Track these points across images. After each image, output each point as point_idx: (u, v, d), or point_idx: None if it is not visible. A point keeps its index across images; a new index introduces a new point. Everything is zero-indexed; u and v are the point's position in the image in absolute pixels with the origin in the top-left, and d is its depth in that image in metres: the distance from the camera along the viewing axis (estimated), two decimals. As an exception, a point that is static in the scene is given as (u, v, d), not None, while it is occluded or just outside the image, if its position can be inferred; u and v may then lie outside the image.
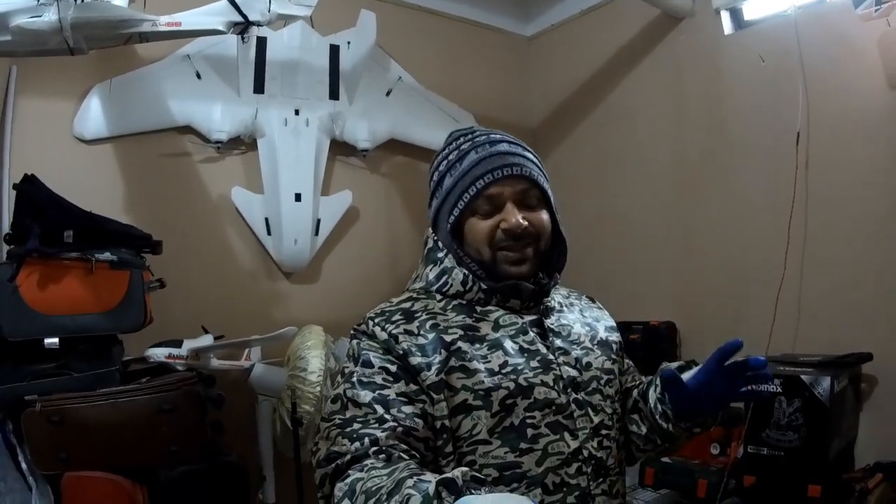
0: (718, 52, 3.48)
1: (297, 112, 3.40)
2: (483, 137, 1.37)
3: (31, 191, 2.52)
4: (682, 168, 3.61)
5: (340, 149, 3.61)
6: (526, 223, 1.32)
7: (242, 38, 2.88)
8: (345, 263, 3.62)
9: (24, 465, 2.33)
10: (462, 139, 1.40)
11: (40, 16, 2.30)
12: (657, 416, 1.39)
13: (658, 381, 1.40)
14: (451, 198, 1.35)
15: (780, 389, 2.57)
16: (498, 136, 1.39)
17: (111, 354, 2.59)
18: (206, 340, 2.84)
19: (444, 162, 1.39)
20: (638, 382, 1.54)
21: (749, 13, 3.47)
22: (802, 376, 2.55)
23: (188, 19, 2.63)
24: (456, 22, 4.20)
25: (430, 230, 1.44)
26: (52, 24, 2.30)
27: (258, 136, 3.37)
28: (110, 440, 2.39)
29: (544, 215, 1.37)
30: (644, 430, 1.45)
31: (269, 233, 3.38)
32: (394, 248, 3.78)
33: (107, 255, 2.54)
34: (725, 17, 3.48)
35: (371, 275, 3.63)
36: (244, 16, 2.70)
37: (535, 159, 1.38)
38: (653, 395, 1.41)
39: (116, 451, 2.41)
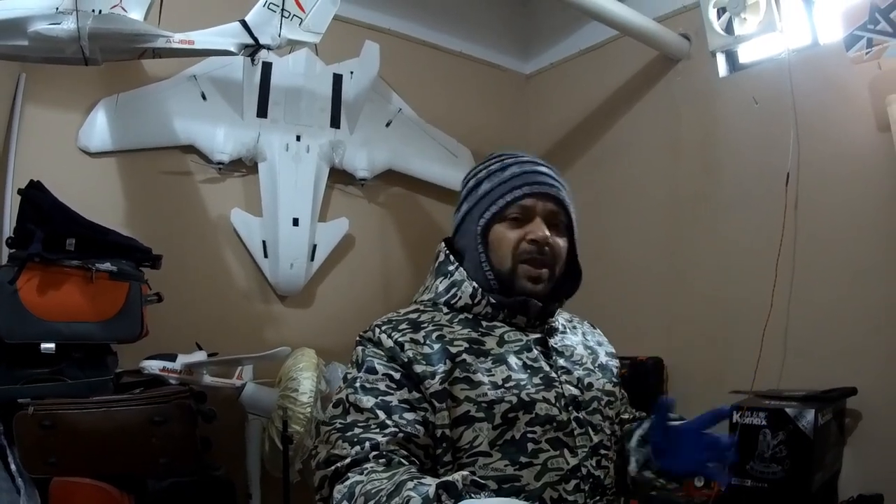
0: (713, 94, 3.54)
1: (298, 138, 3.44)
2: (527, 159, 1.43)
3: (37, 196, 2.55)
4: (676, 207, 3.64)
5: (339, 177, 3.65)
6: (550, 239, 1.36)
7: (252, 61, 2.93)
8: (339, 289, 3.63)
9: (13, 467, 2.33)
10: (506, 156, 1.45)
11: (59, 23, 2.34)
12: (632, 455, 1.42)
13: (645, 427, 1.43)
14: (486, 201, 1.38)
15: (764, 422, 2.60)
16: (540, 161, 1.45)
17: (106, 364, 2.60)
18: (200, 356, 2.84)
19: (485, 171, 1.43)
20: (629, 415, 1.56)
21: (744, 56, 3.54)
22: (787, 409, 2.57)
23: (201, 38, 2.68)
24: (456, 57, 4.28)
25: (443, 244, 1.47)
26: (71, 33, 2.34)
27: (259, 160, 3.41)
28: (100, 448, 2.40)
29: (564, 242, 1.41)
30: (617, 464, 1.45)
31: (265, 255, 3.39)
32: (387, 277, 3.80)
33: (107, 266, 2.57)
34: (721, 59, 3.54)
35: (364, 302, 3.64)
36: (255, 39, 2.75)
37: (568, 190, 1.44)
38: (637, 434, 1.43)
39: (106, 458, 2.41)
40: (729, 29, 3.32)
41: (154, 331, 2.72)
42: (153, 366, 2.69)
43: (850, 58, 2.76)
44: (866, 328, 2.85)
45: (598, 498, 1.30)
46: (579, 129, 4.22)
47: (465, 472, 0.97)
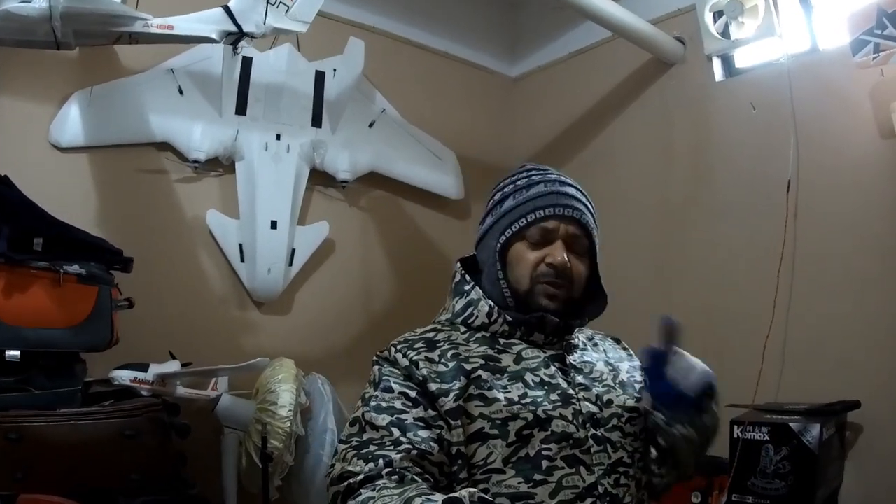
0: (708, 99, 3.50)
1: (278, 137, 3.32)
2: (555, 176, 1.43)
3: (3, 192, 2.39)
4: (667, 214, 3.59)
5: (319, 178, 3.53)
6: (569, 264, 1.36)
7: (234, 50, 2.83)
8: (318, 296, 3.50)
9: None
10: (535, 171, 1.44)
11: (30, 2, 2.19)
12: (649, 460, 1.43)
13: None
14: (508, 218, 1.38)
15: (767, 437, 2.56)
16: (569, 181, 1.44)
17: (74, 373, 2.46)
18: (173, 366, 2.71)
19: (511, 185, 1.43)
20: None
21: (740, 61, 3.49)
22: (791, 424, 2.53)
23: (181, 24, 2.55)
24: (441, 57, 4.18)
25: (458, 264, 1.47)
26: (42, 12, 2.20)
27: (237, 159, 3.27)
28: (69, 463, 2.26)
29: (583, 266, 1.40)
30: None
31: (242, 259, 3.25)
32: (368, 284, 3.68)
33: (75, 268, 2.42)
34: (717, 63, 3.50)
35: (344, 309, 3.53)
36: (238, 26, 2.62)
37: (594, 212, 1.44)
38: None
39: (75, 474, 2.27)
40: (725, 33, 3.28)
41: (124, 338, 2.57)
42: (124, 376, 2.55)
43: (857, 63, 2.75)
44: (868, 340, 2.82)
45: None
46: (567, 133, 4.16)
47: (472, 489, 0.98)
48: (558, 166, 3.98)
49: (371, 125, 3.69)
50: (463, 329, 1.38)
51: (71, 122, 2.92)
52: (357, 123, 3.63)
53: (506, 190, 1.43)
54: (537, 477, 1.23)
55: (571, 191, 1.41)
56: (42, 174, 2.78)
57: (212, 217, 3.24)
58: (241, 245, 3.25)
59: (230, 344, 3.20)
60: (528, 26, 4.48)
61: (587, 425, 1.30)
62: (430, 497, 1.00)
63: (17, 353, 2.27)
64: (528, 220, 1.36)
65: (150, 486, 2.36)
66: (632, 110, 3.84)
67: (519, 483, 1.22)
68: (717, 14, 3.30)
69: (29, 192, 2.43)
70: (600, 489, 1.26)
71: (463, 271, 1.45)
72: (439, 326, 1.41)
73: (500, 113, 4.44)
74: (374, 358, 1.35)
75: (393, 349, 1.33)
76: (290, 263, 3.33)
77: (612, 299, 3.32)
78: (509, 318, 1.36)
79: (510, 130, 4.44)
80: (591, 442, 1.29)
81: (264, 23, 2.66)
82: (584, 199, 1.42)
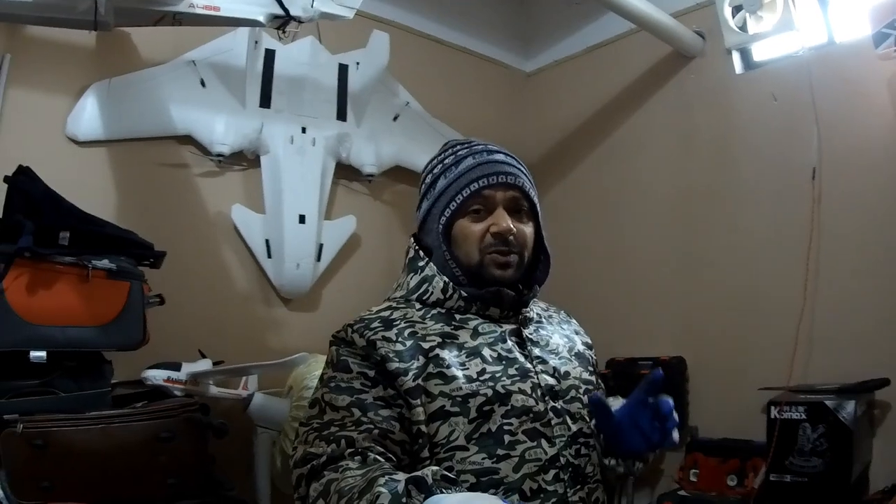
0: (729, 91, 3.52)
1: (303, 130, 3.23)
2: (480, 147, 1.42)
3: (26, 184, 2.30)
4: (690, 204, 3.60)
5: (343, 172, 3.45)
6: (514, 229, 1.35)
7: (280, 34, 2.73)
8: (345, 292, 3.41)
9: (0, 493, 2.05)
10: (459, 147, 1.44)
11: None
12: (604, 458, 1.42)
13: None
14: (444, 198, 1.38)
15: (804, 416, 2.61)
16: (495, 147, 1.43)
17: (102, 374, 2.36)
18: (205, 365, 2.62)
19: (440, 165, 1.42)
20: None
21: (759, 54, 3.52)
22: (826, 402, 2.60)
23: (227, 5, 2.45)
24: (458, 52, 4.14)
25: (412, 240, 1.47)
26: None
27: (262, 153, 3.18)
28: (100, 470, 2.14)
29: (529, 228, 1.41)
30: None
31: (269, 255, 3.16)
32: (396, 279, 3.54)
33: (105, 263, 2.32)
34: (736, 56, 3.52)
35: (371, 304, 3.38)
36: (285, 9, 2.54)
37: (527, 174, 1.43)
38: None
39: (107, 482, 2.15)
40: (744, 27, 3.30)
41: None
42: (157, 376, 2.46)
43: (879, 55, 2.79)
44: (893, 321, 2.83)
45: (578, 487, 1.29)
46: (586, 126, 4.16)
47: (435, 468, 0.98)
48: (575, 162, 4.10)
49: (395, 118, 3.61)
50: (418, 306, 1.37)
51: (88, 115, 2.82)
52: (381, 116, 3.55)
53: (435, 171, 1.43)
54: (500, 452, 1.23)
55: (500, 157, 1.40)
56: (59, 169, 2.64)
57: (237, 212, 3.14)
58: (267, 241, 3.16)
59: (257, 342, 3.12)
60: (542, 22, 4.48)
61: (546, 398, 1.31)
62: (394, 476, 1.00)
63: (43, 354, 2.16)
64: (464, 194, 1.36)
65: (188, 491, 2.26)
66: (651, 104, 3.85)
67: (483, 459, 1.22)
68: (736, 8, 3.32)
69: (47, 186, 2.33)
70: (562, 460, 1.27)
71: (417, 247, 1.44)
72: (394, 304, 1.39)
73: (514, 108, 4.41)
74: (331, 339, 1.35)
75: (349, 329, 1.32)
76: (319, 259, 3.25)
77: (639, 290, 3.46)
78: (464, 294, 1.36)
79: (524, 125, 4.42)
80: (550, 414, 1.30)
81: (312, 6, 2.59)
82: (514, 162, 1.42)
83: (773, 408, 2.67)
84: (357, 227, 3.42)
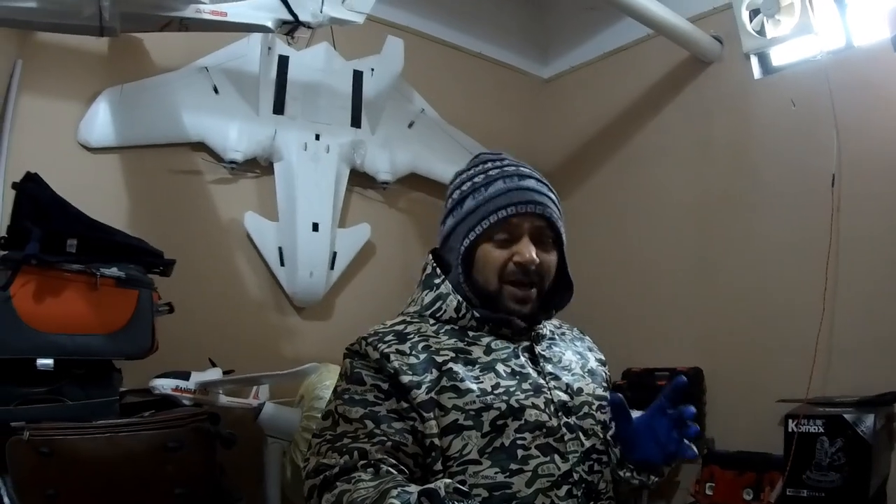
0: (748, 97, 3.49)
1: (317, 137, 3.21)
2: (512, 169, 1.40)
3: (34, 190, 2.28)
4: (708, 211, 3.56)
5: (357, 179, 3.43)
6: (538, 260, 1.34)
7: (289, 40, 2.72)
8: (359, 300, 3.39)
9: (6, 500, 2.05)
10: (490, 164, 1.41)
11: None
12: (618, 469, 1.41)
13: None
14: (471, 220, 1.36)
15: (822, 430, 2.58)
16: (527, 170, 1.41)
17: (110, 382, 2.33)
18: (215, 374, 2.60)
19: (469, 183, 1.40)
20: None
21: (777, 59, 3.47)
22: (845, 415, 2.55)
23: (235, 11, 2.44)
24: (474, 58, 4.11)
25: (430, 256, 1.46)
26: None
27: (275, 160, 3.17)
28: (106, 478, 2.11)
29: (553, 257, 1.40)
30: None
31: (282, 263, 3.14)
32: (411, 288, 3.46)
33: (113, 271, 2.29)
34: (754, 61, 3.47)
35: (386, 314, 3.28)
36: (294, 14, 2.52)
37: (556, 202, 1.41)
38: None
39: (113, 491, 2.12)
40: (762, 31, 3.27)
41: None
42: (165, 385, 2.42)
43: None
44: None
45: (591, 503, 1.29)
46: (602, 134, 4.13)
47: (447, 480, 0.99)
48: (593, 168, 4.05)
49: (410, 125, 3.59)
50: (432, 321, 1.37)
51: (100, 121, 2.82)
52: (396, 123, 3.53)
53: (464, 189, 1.39)
54: (513, 466, 1.23)
55: (531, 183, 1.37)
56: (71, 176, 2.65)
57: (250, 220, 3.13)
58: (280, 248, 3.14)
59: (270, 350, 3.10)
60: (558, 28, 4.46)
61: (559, 414, 1.30)
62: (406, 488, 0.99)
63: (51, 361, 2.14)
64: (491, 220, 1.33)
65: (196, 501, 2.23)
66: (669, 108, 3.82)
67: (495, 473, 1.22)
68: (753, 12, 3.28)
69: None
70: (575, 476, 1.27)
71: (434, 264, 1.43)
72: (408, 318, 1.39)
73: (532, 114, 4.38)
74: (345, 351, 1.35)
75: (363, 342, 1.32)
76: (332, 267, 3.22)
77: (655, 300, 3.41)
78: (477, 315, 1.35)
79: (542, 132, 4.38)
80: (563, 430, 1.29)
81: (321, 11, 2.58)
82: (545, 189, 1.39)
83: (790, 421, 2.64)
84: (372, 235, 3.39)
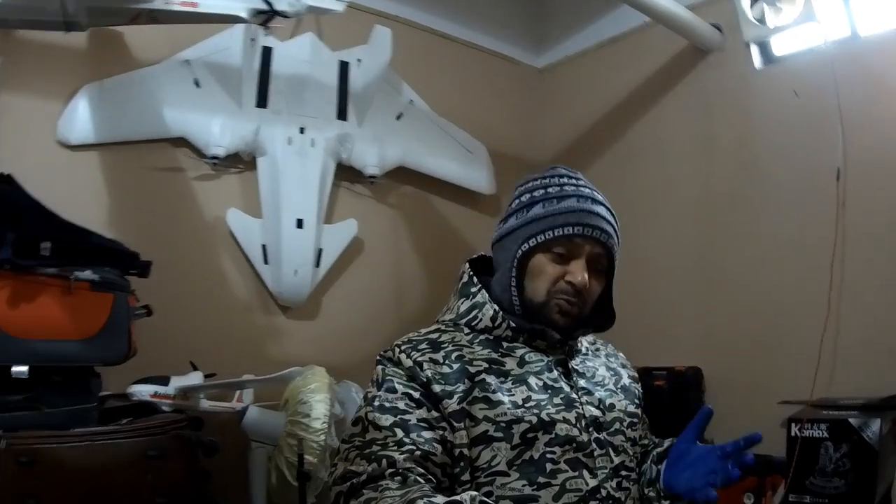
0: (749, 87, 3.39)
1: (302, 130, 3.13)
2: (587, 191, 1.41)
3: (7, 192, 2.20)
4: (709, 206, 3.47)
5: (345, 174, 3.35)
6: (588, 284, 1.37)
7: (264, 29, 2.63)
8: (347, 299, 3.32)
9: None
10: (567, 179, 1.43)
11: None
12: (645, 487, 1.43)
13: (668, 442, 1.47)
14: (535, 226, 1.37)
15: (826, 435, 2.51)
16: (600, 197, 1.43)
17: (89, 388, 2.26)
18: (196, 378, 2.53)
19: (542, 190, 1.41)
20: (648, 441, 1.56)
21: (779, 48, 3.39)
22: (851, 420, 2.48)
23: (206, 1, 2.35)
24: (466, 47, 4.02)
25: (467, 265, 1.48)
26: None
27: (259, 155, 3.09)
28: (87, 487, 2.05)
29: (600, 286, 1.43)
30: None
31: (266, 261, 3.07)
32: (400, 285, 3.51)
33: (88, 274, 2.21)
34: (755, 50, 3.39)
35: (374, 311, 3.36)
36: (269, 3, 2.43)
37: (619, 234, 1.44)
38: (652, 469, 1.44)
39: (94, 500, 2.07)
40: (762, 19, 3.19)
41: (140, 348, 2.36)
42: (143, 391, 2.37)
43: None
44: None
45: None
46: (599, 125, 4.04)
47: (474, 493, 1.02)
48: (591, 159, 3.94)
49: (399, 117, 3.50)
50: (467, 331, 1.40)
51: (80, 119, 2.73)
52: (384, 116, 3.45)
53: (535, 194, 1.41)
54: (541, 480, 1.24)
55: (602, 210, 1.40)
56: (50, 174, 2.59)
57: (233, 216, 3.05)
58: (264, 246, 3.07)
59: (255, 352, 3.04)
60: (553, 16, 4.37)
61: (590, 429, 1.32)
62: (433, 499, 1.02)
63: (25, 369, 2.07)
64: (556, 233, 1.35)
65: (177, 510, 2.18)
66: (668, 100, 3.72)
67: (523, 486, 1.24)
68: (754, 0, 3.20)
69: (36, 193, 2.23)
70: (603, 492, 1.28)
71: (471, 272, 1.46)
72: (443, 327, 1.42)
73: (529, 105, 4.28)
74: (378, 357, 1.36)
75: (397, 349, 1.33)
76: (318, 265, 3.15)
77: (654, 297, 3.36)
78: (513, 325, 1.37)
79: (537, 123, 4.29)
80: (594, 445, 1.31)
81: (298, 0, 2.46)
82: (613, 221, 1.42)
83: (793, 425, 2.57)
84: (359, 231, 3.32)
